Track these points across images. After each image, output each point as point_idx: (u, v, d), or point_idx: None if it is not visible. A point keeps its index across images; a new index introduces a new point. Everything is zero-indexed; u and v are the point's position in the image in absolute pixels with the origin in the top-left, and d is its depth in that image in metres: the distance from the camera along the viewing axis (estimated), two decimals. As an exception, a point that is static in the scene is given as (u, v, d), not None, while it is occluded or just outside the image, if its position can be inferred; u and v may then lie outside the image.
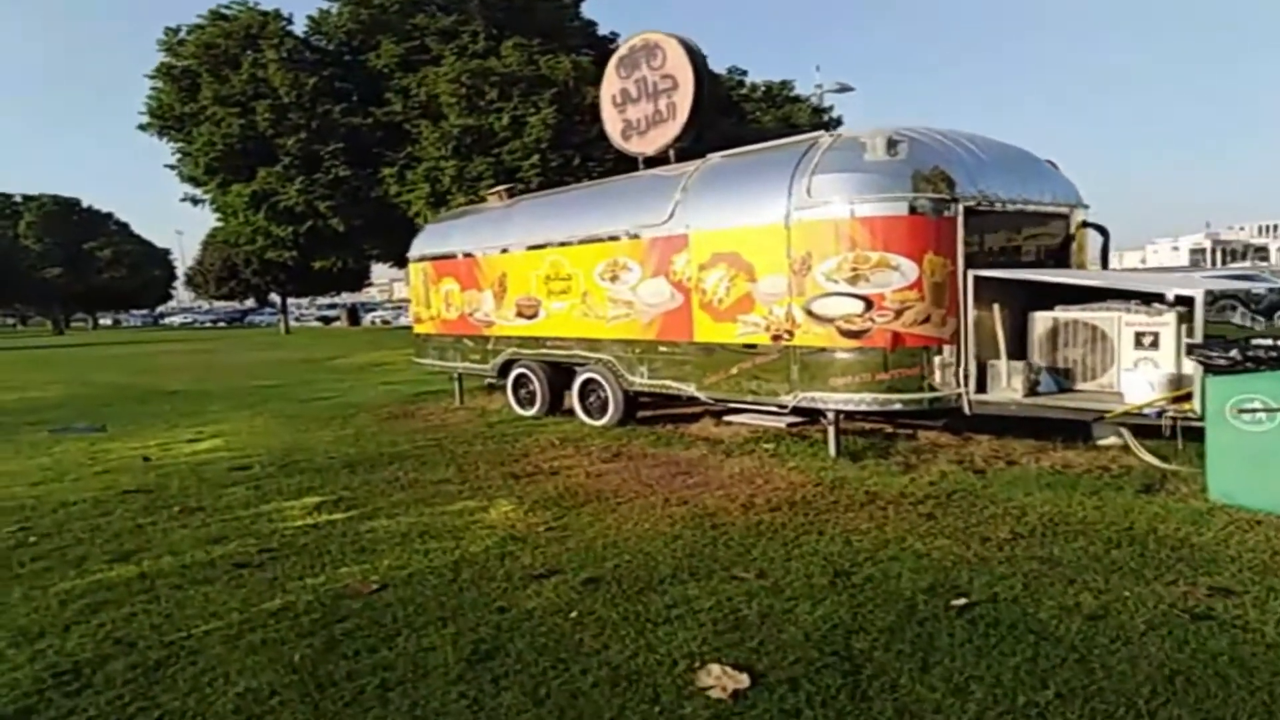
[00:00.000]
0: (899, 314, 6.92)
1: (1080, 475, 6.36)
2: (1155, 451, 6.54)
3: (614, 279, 9.20)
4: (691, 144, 10.21)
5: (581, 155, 23.34)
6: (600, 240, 9.36)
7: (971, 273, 6.98)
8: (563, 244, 9.90)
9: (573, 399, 10.06)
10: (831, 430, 7.42)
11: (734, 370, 7.97)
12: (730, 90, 29.86)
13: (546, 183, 20.42)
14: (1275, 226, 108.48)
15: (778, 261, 7.47)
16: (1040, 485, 6.13)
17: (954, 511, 5.59)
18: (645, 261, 8.80)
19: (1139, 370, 6.47)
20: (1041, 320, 7.17)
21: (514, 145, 23.00)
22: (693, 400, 8.88)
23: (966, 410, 7.05)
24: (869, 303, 6.97)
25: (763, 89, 29.97)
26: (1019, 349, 7.16)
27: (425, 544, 5.30)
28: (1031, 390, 6.84)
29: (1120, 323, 6.72)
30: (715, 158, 8.60)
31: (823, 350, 7.22)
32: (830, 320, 7.14)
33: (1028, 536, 5.00)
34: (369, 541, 5.40)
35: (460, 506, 6.26)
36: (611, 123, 11.20)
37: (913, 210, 6.92)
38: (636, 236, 8.88)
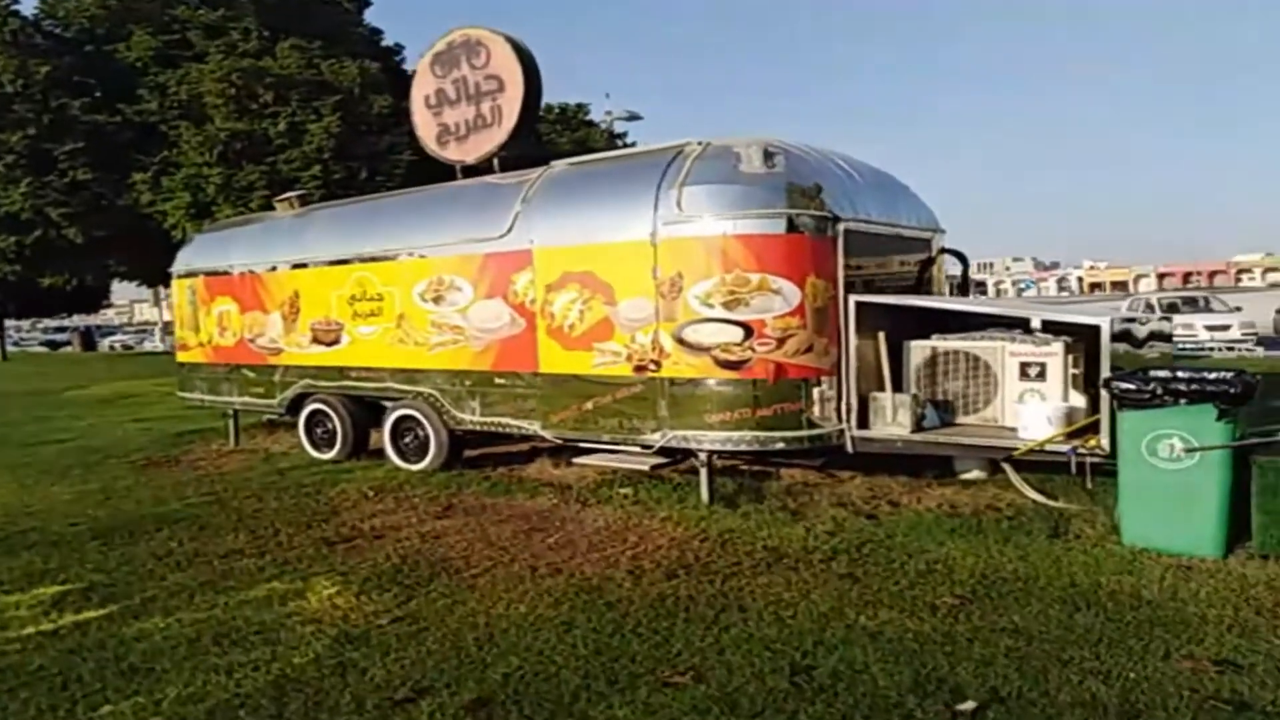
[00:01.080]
0: (781, 342, 6.21)
1: (978, 518, 5.87)
2: (1032, 485, 6.23)
3: (438, 300, 7.94)
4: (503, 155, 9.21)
5: (369, 168, 21.57)
6: (422, 255, 8.07)
7: (853, 298, 6.41)
8: (374, 259, 8.51)
9: (384, 439, 8.64)
10: (704, 473, 6.57)
11: (588, 405, 6.96)
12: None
13: (329, 196, 18.58)
14: (990, 264, 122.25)
15: (642, 283, 6.57)
16: (945, 532, 5.56)
17: (874, 571, 4.88)
18: (479, 280, 7.62)
19: (1031, 404, 6.11)
20: (918, 350, 6.71)
21: (292, 154, 20.86)
22: (529, 439, 7.79)
23: (849, 448, 6.45)
24: (749, 330, 6.21)
25: (558, 110, 29.30)
26: (893, 381, 6.66)
27: (226, 655, 3.88)
28: (918, 425, 6.34)
29: (1004, 353, 6.36)
30: (560, 165, 7.61)
31: (696, 382, 6.38)
32: (705, 349, 6.31)
33: (976, 601, 4.34)
34: (142, 657, 3.90)
35: (265, 590, 4.82)
36: (424, 127, 9.91)
37: (794, 228, 6.25)
38: (468, 252, 7.69)
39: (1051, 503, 6.11)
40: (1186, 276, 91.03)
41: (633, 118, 31.00)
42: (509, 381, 7.50)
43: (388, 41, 27.15)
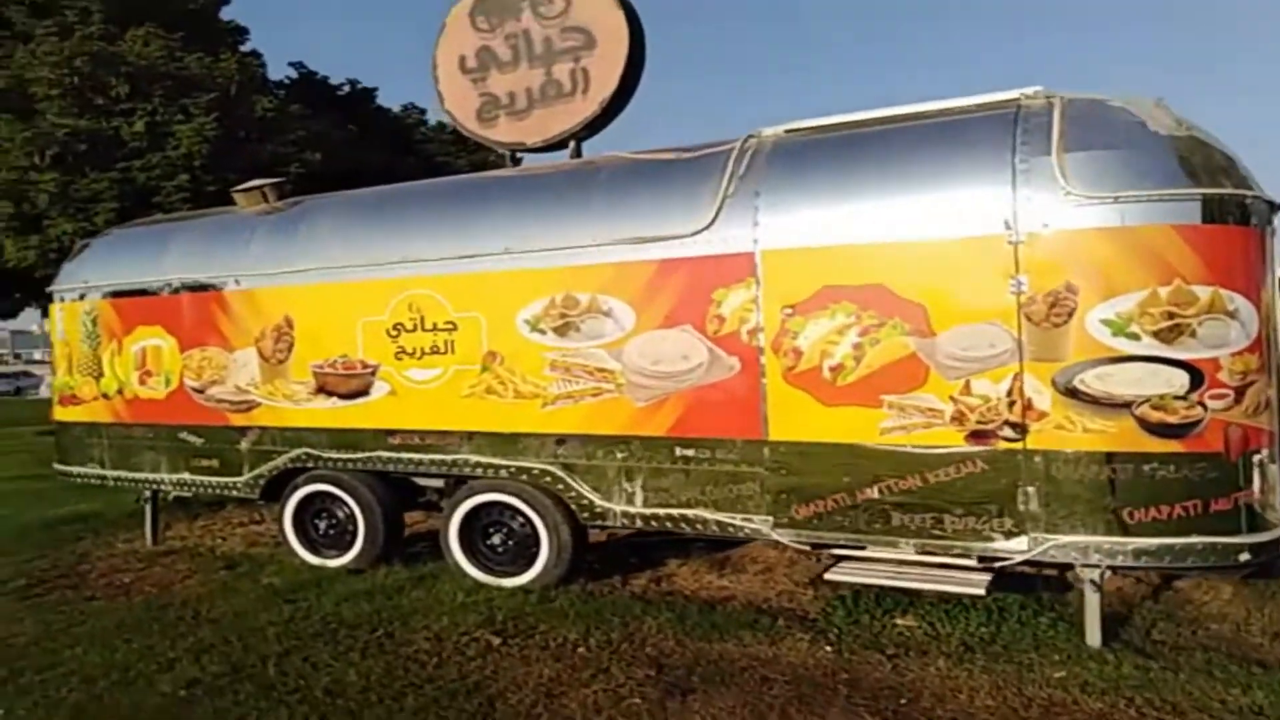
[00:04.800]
0: (1240, 394, 3.99)
1: None
2: None
3: (566, 330, 5.23)
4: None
5: (246, 180, 17.91)
6: (536, 265, 5.33)
7: (1300, 324, 4.32)
8: (440, 270, 5.66)
9: (448, 540, 5.75)
10: (1094, 600, 4.20)
11: (870, 493, 4.46)
12: (409, 128, 25.87)
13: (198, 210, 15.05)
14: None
15: (987, 300, 4.20)
16: None
17: None
18: (647, 300, 4.99)
19: None
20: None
21: (151, 159, 16.95)
22: (726, 541, 5.21)
23: (1294, 553, 4.28)
24: (1197, 374, 3.96)
25: (451, 130, 26.27)
26: None
27: None
28: (1402, 516, 4.26)
29: None
30: (775, 132, 5.09)
31: (1101, 459, 4.03)
32: (1122, 405, 3.99)
33: None
34: None
35: None
36: (458, 98, 7.24)
37: (1243, 218, 4.10)
38: (627, 258, 5.05)
39: None
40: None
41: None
42: (705, 454, 4.87)
43: (252, 44, 23.34)
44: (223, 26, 23.53)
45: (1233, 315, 3.97)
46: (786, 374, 4.63)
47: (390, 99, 26.40)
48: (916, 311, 4.34)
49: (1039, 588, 4.93)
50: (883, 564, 4.61)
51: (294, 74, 24.05)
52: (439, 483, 6.04)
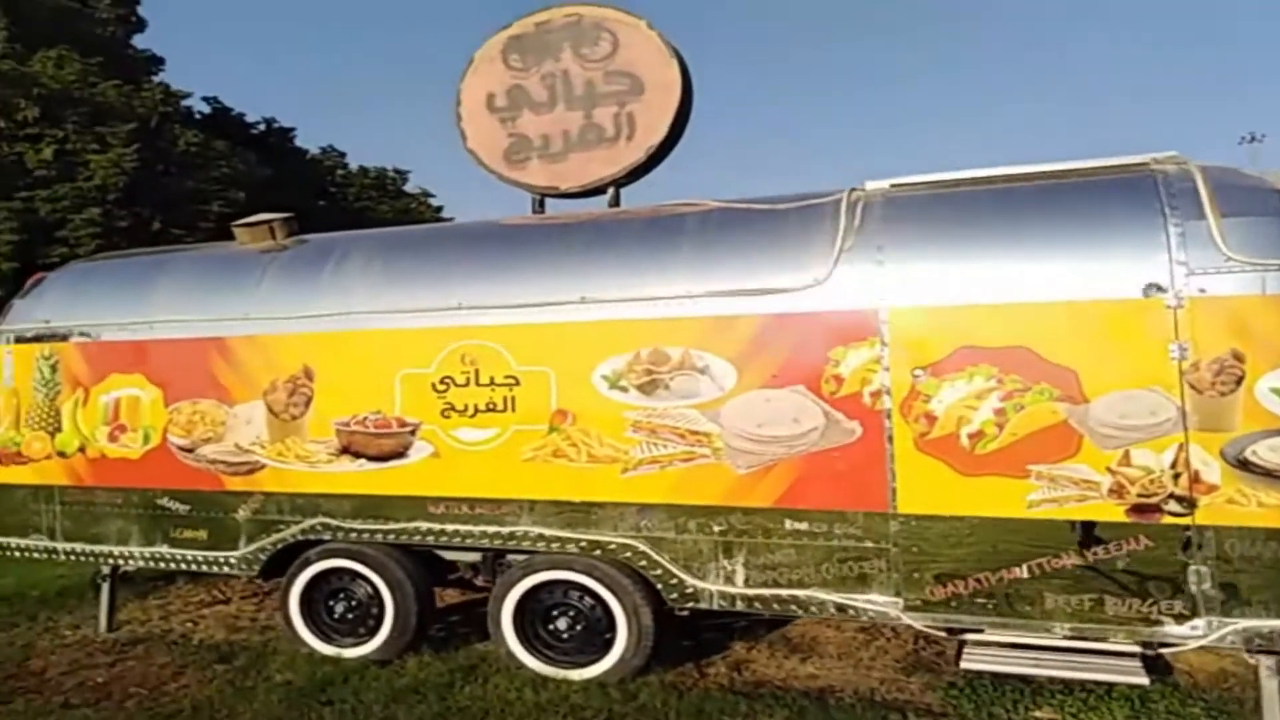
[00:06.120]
0: (1405, 468, 3.88)
1: None
2: None
3: (651, 387, 4.77)
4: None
5: (164, 217, 16.76)
6: (619, 317, 4.87)
7: None
8: (503, 320, 5.12)
9: (500, 624, 5.12)
10: (1271, 687, 3.97)
11: (1017, 572, 4.14)
12: (329, 172, 24.94)
13: (108, 246, 13.94)
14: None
15: (1144, 366, 4.00)
16: None
17: None
18: (749, 357, 4.60)
19: None
20: None
21: (59, 189, 15.62)
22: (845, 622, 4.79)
23: None
24: (1372, 448, 3.83)
25: (373, 175, 25.46)
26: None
27: None
28: None
29: None
30: (881, 186, 4.82)
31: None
32: (1300, 478, 3.83)
33: None
34: None
35: None
36: (481, 135, 6.75)
37: (1392, 287, 4.04)
38: (728, 311, 4.66)
39: None
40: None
41: (426, 194, 27.73)
42: (821, 527, 4.47)
43: (164, 76, 22.11)
44: (137, 55, 22.34)
45: (1395, 387, 3.87)
46: (918, 441, 4.30)
47: (308, 141, 25.25)
48: (1066, 376, 4.10)
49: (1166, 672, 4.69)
50: (1018, 649, 4.29)
51: (207, 109, 22.96)
52: (475, 557, 5.42)
